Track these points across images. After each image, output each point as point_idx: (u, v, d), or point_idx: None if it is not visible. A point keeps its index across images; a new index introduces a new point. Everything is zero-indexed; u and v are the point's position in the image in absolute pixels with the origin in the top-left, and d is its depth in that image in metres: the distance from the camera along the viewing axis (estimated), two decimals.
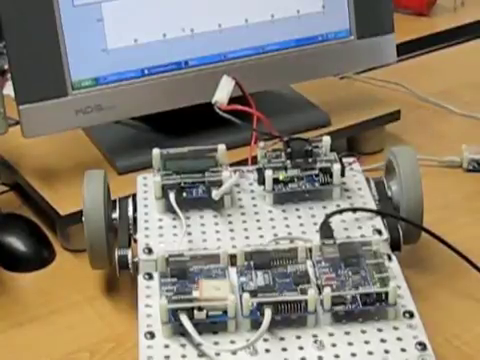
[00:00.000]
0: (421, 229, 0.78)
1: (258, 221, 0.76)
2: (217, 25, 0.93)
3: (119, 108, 0.92)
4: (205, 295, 0.64)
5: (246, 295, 0.64)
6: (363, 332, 0.64)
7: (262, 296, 0.64)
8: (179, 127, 0.94)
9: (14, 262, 0.86)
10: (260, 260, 0.68)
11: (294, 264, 0.68)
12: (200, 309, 0.63)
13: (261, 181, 0.78)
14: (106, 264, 0.78)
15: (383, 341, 0.63)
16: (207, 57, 0.94)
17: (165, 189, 0.76)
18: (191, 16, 0.92)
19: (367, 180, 0.81)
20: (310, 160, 0.78)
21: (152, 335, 0.64)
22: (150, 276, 0.70)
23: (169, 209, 0.76)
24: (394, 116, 1.03)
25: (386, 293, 0.64)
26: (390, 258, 0.71)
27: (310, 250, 0.70)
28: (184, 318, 0.63)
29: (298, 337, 0.64)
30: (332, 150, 0.80)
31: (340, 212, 0.75)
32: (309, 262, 0.69)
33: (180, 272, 0.67)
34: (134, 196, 0.80)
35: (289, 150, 0.79)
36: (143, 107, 0.93)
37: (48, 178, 0.91)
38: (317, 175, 0.78)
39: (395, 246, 0.74)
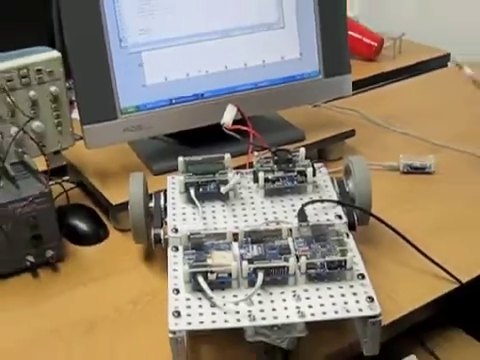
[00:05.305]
0: (370, 215, 0.78)
1: (253, 209, 0.76)
2: (224, 67, 0.93)
3: (154, 127, 0.92)
4: (216, 262, 0.64)
5: (245, 262, 0.64)
6: (329, 289, 0.65)
7: (257, 263, 0.64)
8: (197, 141, 0.94)
9: (79, 238, 0.86)
10: (255, 237, 0.68)
11: (279, 240, 0.68)
12: (212, 272, 0.64)
13: (256, 180, 0.78)
14: (145, 240, 0.78)
15: (343, 295, 0.64)
16: (218, 90, 0.94)
17: (187, 186, 0.76)
18: (206, 61, 0.92)
19: (331, 179, 0.81)
20: (291, 165, 0.78)
21: (177, 291, 0.64)
22: (176, 248, 0.70)
23: (190, 200, 0.76)
24: (350, 133, 1.03)
25: (345, 261, 0.65)
26: (348, 236, 0.71)
27: (291, 230, 0.70)
28: (200, 279, 0.63)
29: (282, 292, 0.64)
30: (306, 158, 0.80)
31: (312, 202, 0.75)
32: (290, 239, 0.69)
33: (198, 246, 0.67)
34: (165, 191, 0.80)
35: (276, 158, 0.79)
36: (171, 127, 0.93)
37: (104, 178, 0.91)
38: (296, 176, 0.78)
39: (351, 227, 0.74)
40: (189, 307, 0.62)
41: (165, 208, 0.77)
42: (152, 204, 0.78)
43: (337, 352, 0.69)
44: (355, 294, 0.63)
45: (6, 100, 0.80)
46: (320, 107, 1.14)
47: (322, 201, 0.76)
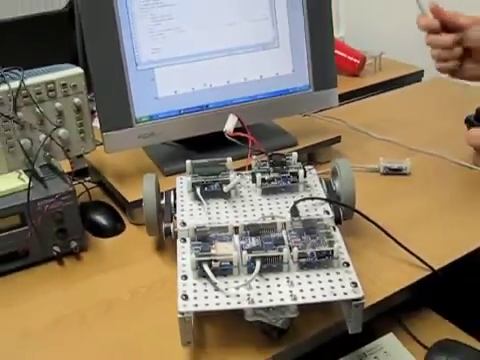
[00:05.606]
0: (354, 211, 0.78)
1: (252, 205, 0.76)
2: (226, 82, 0.94)
3: (165, 134, 0.92)
4: (219, 252, 0.65)
5: (244, 252, 0.64)
6: (318, 275, 0.65)
7: (255, 253, 0.64)
8: (203, 146, 0.94)
9: (99, 231, 0.86)
10: (253, 230, 0.69)
11: (274, 232, 0.68)
12: (216, 261, 0.64)
13: (254, 180, 0.78)
14: (157, 233, 0.78)
15: (330, 281, 0.64)
16: (220, 102, 0.94)
17: (194, 185, 0.76)
18: (210, 76, 0.92)
19: (320, 180, 0.81)
20: (284, 167, 0.78)
21: (185, 277, 0.64)
22: (184, 240, 0.70)
23: (196, 198, 0.76)
24: (337, 139, 1.03)
25: (332, 251, 0.65)
26: (335, 229, 0.71)
27: (284, 224, 0.70)
28: (205, 267, 0.63)
29: (277, 278, 0.64)
30: (298, 161, 0.80)
31: (303, 200, 0.75)
32: (284, 231, 0.69)
33: (203, 237, 0.67)
34: (174, 190, 0.80)
35: (271, 161, 0.79)
36: (180, 134, 0.93)
37: (121, 178, 0.91)
38: (289, 177, 0.78)
39: (338, 221, 0.74)
40: (196, 291, 0.63)
41: (174, 205, 0.77)
42: (163, 201, 0.78)
43: (325, 331, 0.69)
44: (341, 280, 0.64)
45: (35, 111, 0.81)
46: (310, 117, 1.14)
47: (312, 199, 0.76)
